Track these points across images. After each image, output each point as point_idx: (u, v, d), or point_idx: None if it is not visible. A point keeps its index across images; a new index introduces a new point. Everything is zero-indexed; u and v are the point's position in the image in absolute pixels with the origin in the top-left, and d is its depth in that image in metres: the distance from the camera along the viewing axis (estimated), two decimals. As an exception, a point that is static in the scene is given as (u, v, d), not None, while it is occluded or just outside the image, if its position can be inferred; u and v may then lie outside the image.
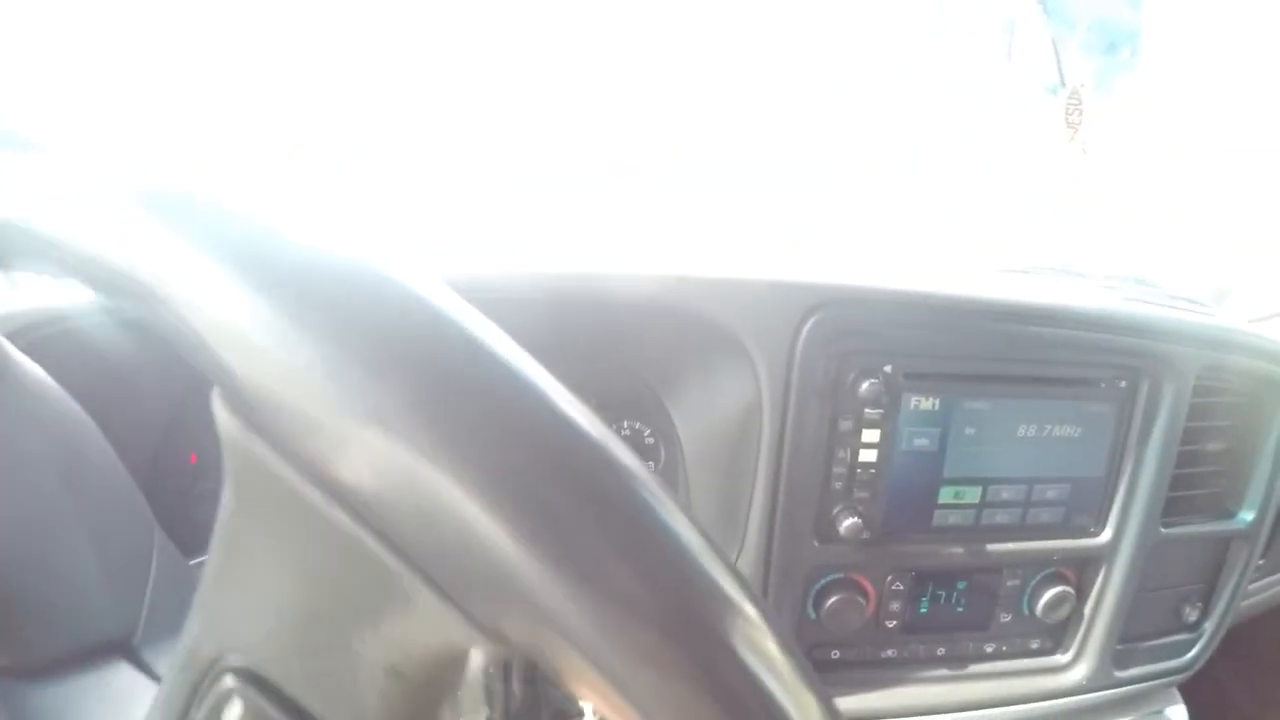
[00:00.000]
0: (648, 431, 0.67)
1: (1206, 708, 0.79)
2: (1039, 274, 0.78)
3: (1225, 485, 0.70)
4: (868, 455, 0.55)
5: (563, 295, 0.55)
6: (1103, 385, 0.61)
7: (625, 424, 0.67)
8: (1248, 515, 0.71)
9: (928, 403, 0.55)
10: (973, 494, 0.58)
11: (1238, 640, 0.76)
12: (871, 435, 0.54)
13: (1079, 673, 0.67)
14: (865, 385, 0.52)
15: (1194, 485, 0.67)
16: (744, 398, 0.54)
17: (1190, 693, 0.76)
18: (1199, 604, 0.72)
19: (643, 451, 0.67)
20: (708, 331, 0.54)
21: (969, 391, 0.56)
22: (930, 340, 0.54)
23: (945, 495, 0.58)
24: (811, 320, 0.51)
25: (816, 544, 0.56)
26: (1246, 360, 0.67)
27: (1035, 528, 0.61)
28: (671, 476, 0.65)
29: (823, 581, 0.58)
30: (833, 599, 0.57)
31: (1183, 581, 0.71)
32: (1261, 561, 0.78)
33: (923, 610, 0.61)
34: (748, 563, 0.56)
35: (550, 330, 0.61)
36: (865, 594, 0.59)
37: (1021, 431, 0.58)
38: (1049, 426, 0.59)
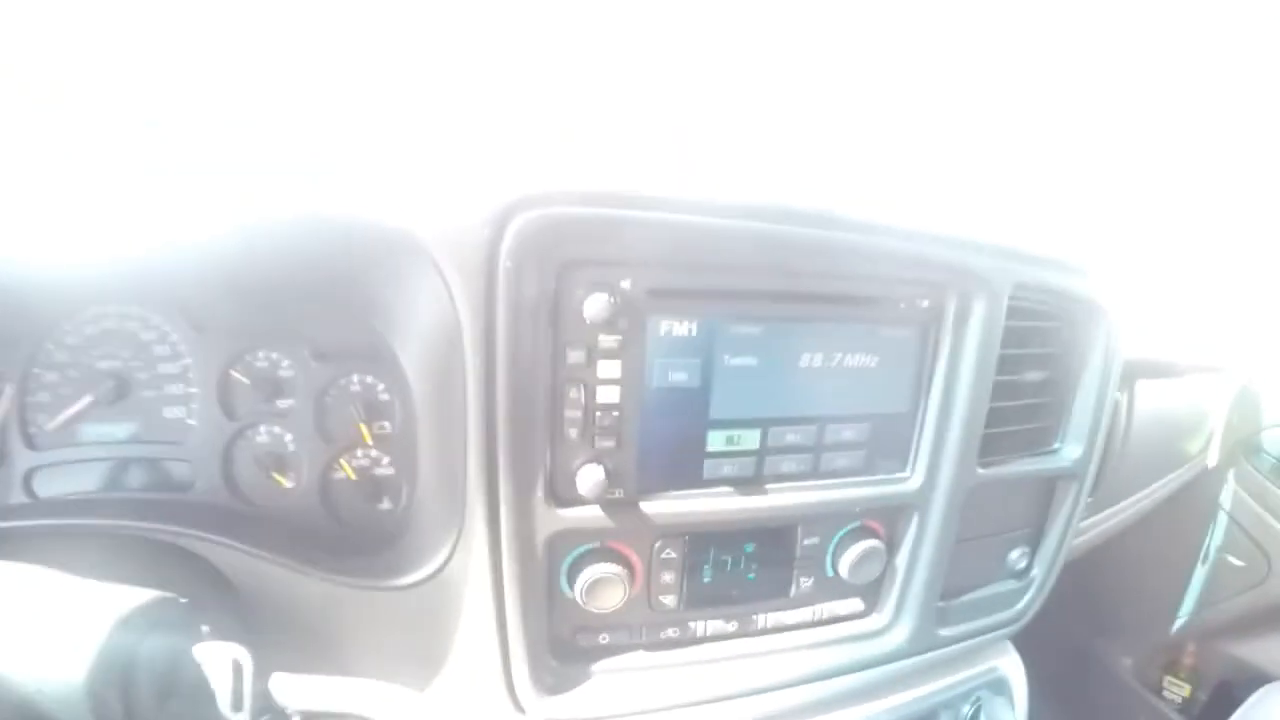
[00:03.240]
0: (381, 386, 0.55)
1: (1040, 648, 0.74)
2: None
3: (1047, 420, 0.64)
4: (607, 394, 0.44)
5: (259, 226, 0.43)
6: (902, 305, 0.52)
7: (356, 378, 0.55)
8: (1073, 451, 0.65)
9: (681, 326, 0.45)
10: (750, 438, 0.49)
11: (1067, 576, 0.71)
12: (609, 368, 0.44)
13: (898, 635, 0.60)
14: (594, 305, 0.42)
15: (1013, 420, 0.60)
16: (451, 329, 0.42)
17: (1020, 635, 0.71)
18: (1026, 549, 0.67)
19: (379, 410, 0.55)
20: (407, 251, 0.42)
21: (733, 313, 0.46)
22: (677, 249, 0.43)
23: (714, 441, 0.48)
24: (515, 223, 0.40)
25: (554, 507, 0.45)
26: (1060, 276, 0.60)
27: (832, 475, 0.53)
28: (408, 437, 0.53)
29: (577, 552, 0.48)
30: (588, 573, 0.47)
31: (1007, 527, 0.65)
32: (1090, 499, 0.74)
33: (705, 580, 0.52)
34: (474, 534, 0.44)
35: (268, 275, 0.48)
36: (628, 565, 0.48)
37: (806, 361, 0.49)
38: (840, 355, 0.50)
